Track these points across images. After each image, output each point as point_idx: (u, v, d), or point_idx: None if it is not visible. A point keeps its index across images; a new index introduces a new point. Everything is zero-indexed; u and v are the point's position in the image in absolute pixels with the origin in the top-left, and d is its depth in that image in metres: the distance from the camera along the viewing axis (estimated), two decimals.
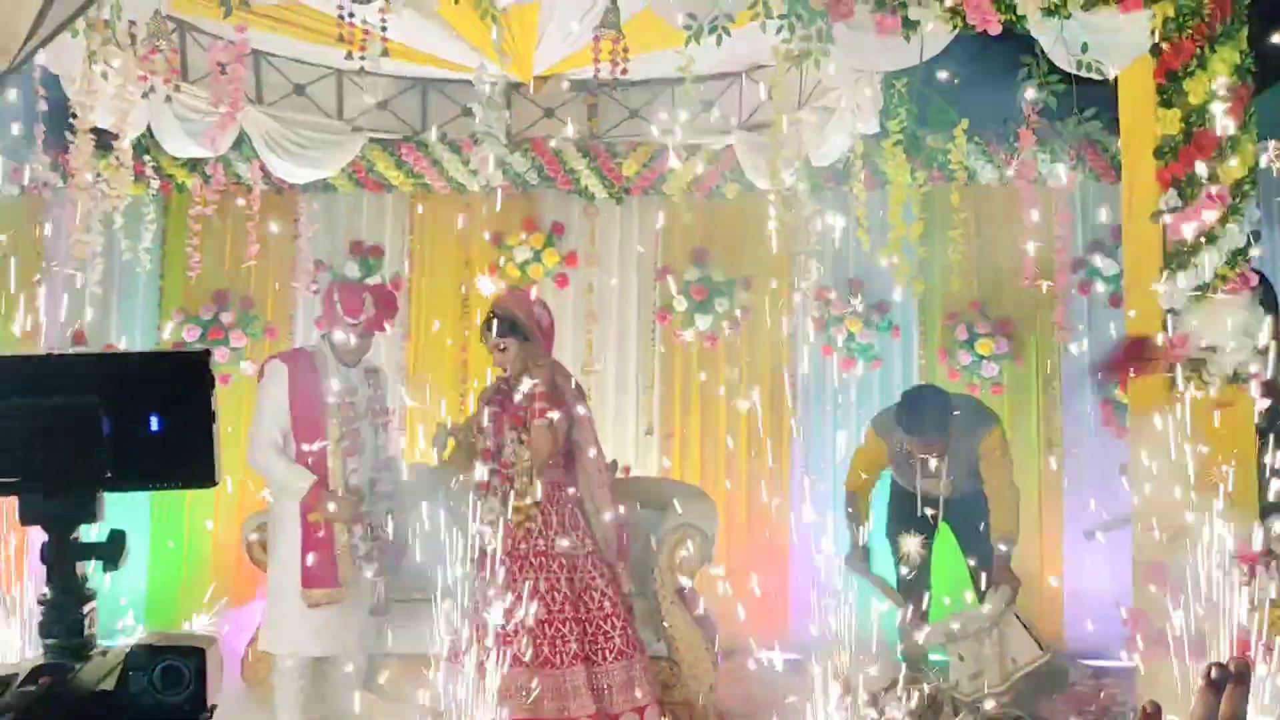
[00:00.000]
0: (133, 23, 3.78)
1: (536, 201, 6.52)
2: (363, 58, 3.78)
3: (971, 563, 4.69)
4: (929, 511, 4.63)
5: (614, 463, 5.12)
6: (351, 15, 3.59)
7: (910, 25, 3.69)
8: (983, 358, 6.17)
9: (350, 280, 6.17)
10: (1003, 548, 4.47)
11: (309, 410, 4.06)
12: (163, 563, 6.31)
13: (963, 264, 6.00)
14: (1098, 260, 6.04)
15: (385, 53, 3.72)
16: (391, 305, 4.27)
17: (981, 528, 4.59)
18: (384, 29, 3.71)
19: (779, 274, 6.25)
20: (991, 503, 4.56)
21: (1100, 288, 6.07)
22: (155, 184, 5.86)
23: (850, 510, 4.88)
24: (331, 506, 3.95)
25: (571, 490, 3.97)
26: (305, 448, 4.01)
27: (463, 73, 5.51)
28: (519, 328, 3.94)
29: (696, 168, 6.22)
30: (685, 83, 3.98)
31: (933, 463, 4.54)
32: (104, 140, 5.06)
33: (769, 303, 6.28)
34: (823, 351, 6.35)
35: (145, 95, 4.22)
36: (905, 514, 4.81)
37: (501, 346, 3.93)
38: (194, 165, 6.10)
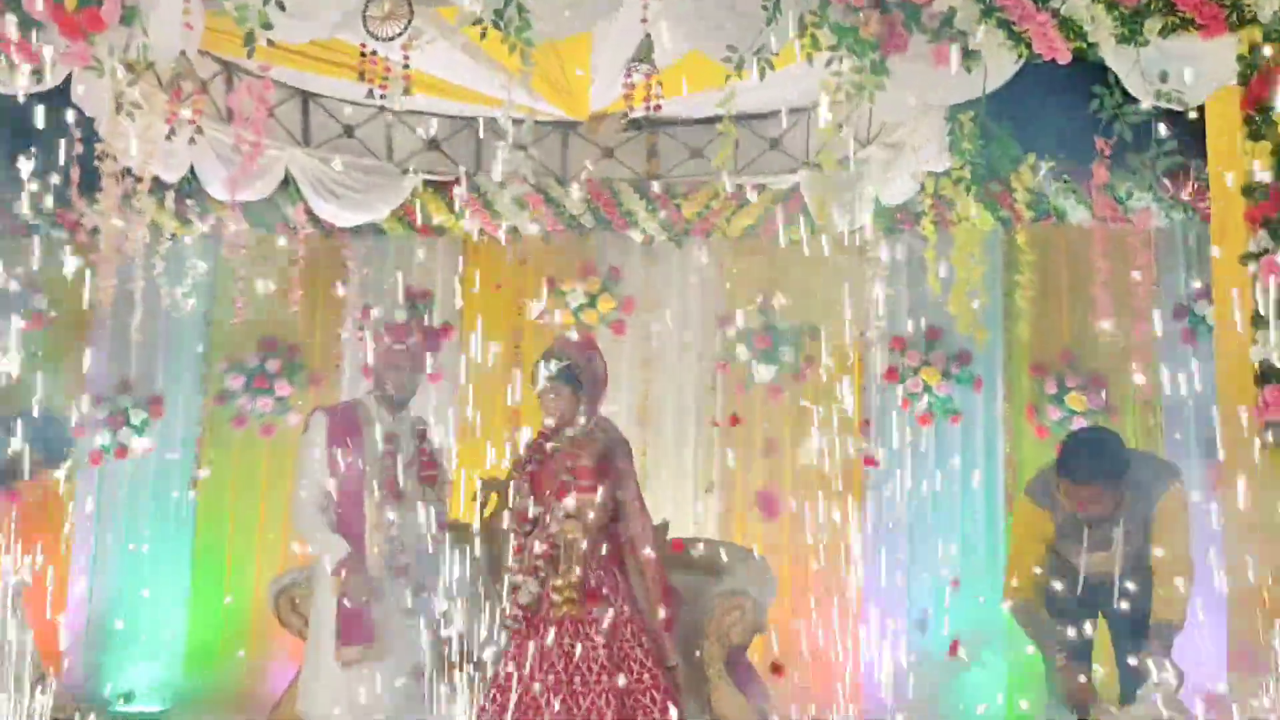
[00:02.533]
0: (152, 64, 3.93)
1: (592, 245, 6.56)
2: (383, 95, 3.88)
3: (1132, 661, 3.89)
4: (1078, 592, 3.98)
5: (664, 523, 5.10)
6: (374, 51, 3.70)
7: (970, 56, 3.66)
8: (1074, 413, 6.00)
9: None
10: (1165, 633, 3.80)
11: (351, 464, 4.15)
12: (203, 613, 6.44)
13: (1048, 311, 5.88)
14: (1203, 306, 5.86)
15: (408, 90, 3.82)
16: (435, 336, 4.39)
17: (1144, 613, 3.90)
18: (406, 65, 3.81)
19: (849, 322, 6.18)
20: (1159, 577, 3.84)
21: (1207, 337, 5.87)
22: (204, 227, 6.06)
23: (1031, 630, 4.08)
24: (351, 584, 4.02)
25: (613, 558, 3.96)
26: (344, 505, 4.10)
27: (519, 113, 5.60)
28: (574, 375, 3.96)
29: (760, 209, 6.21)
30: (725, 118, 3.97)
31: (1110, 531, 3.89)
32: (159, 186, 5.29)
33: (838, 352, 6.21)
34: (902, 405, 6.24)
35: (169, 136, 4.39)
36: (1061, 600, 4.11)
37: (553, 393, 3.95)
38: (248, 208, 6.27)
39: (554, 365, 3.96)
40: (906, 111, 4.84)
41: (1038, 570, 4.05)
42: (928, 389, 6.16)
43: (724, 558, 5.03)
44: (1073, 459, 3.93)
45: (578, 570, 3.83)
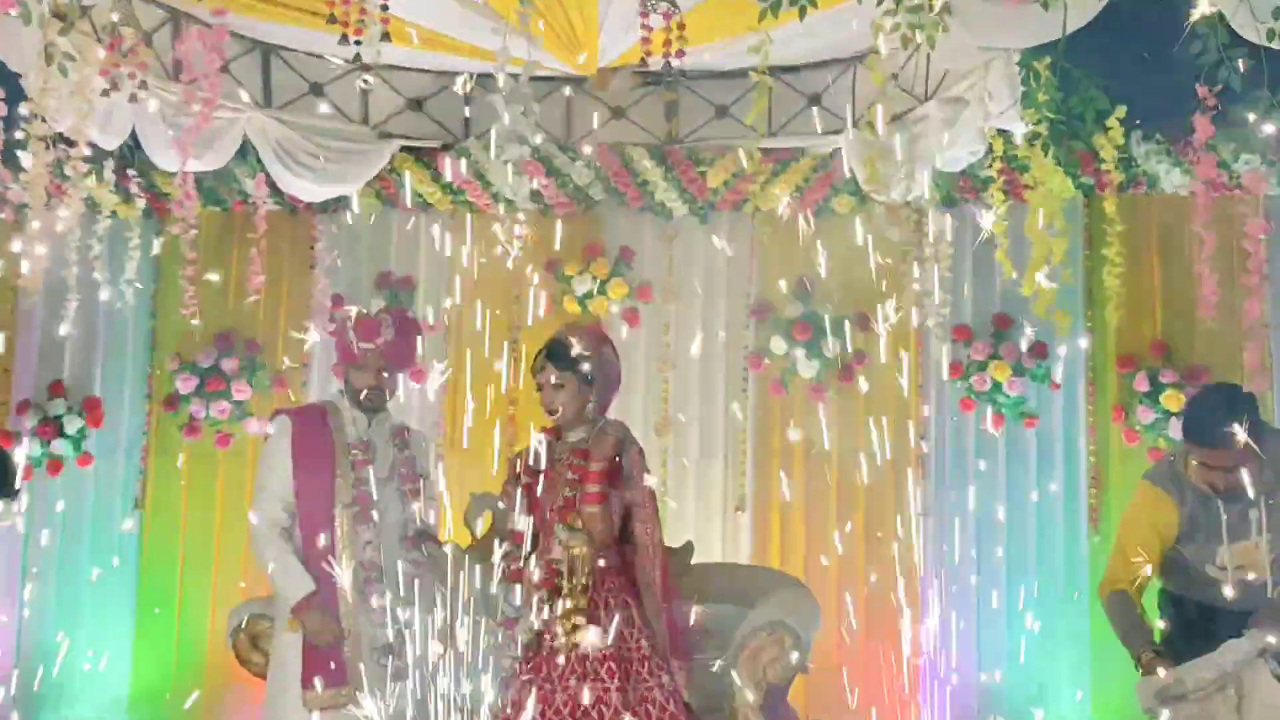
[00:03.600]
0: (87, 9, 3.90)
1: (602, 221, 6.56)
2: (358, 42, 3.85)
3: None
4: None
5: (688, 545, 5.08)
6: None
7: None
8: (1170, 414, 5.95)
9: None
10: None
11: (317, 474, 4.16)
12: (151, 652, 6.43)
13: (1139, 295, 5.82)
14: None
15: (386, 36, 3.78)
16: (413, 331, 4.40)
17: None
18: (384, 8, 3.78)
19: (903, 309, 6.12)
20: None
21: None
22: (148, 203, 6.04)
23: (1122, 622, 4.01)
24: (311, 623, 4.02)
25: (622, 577, 3.93)
26: (310, 524, 4.09)
27: (512, 65, 5.57)
28: (583, 366, 3.95)
29: (798, 177, 6.16)
30: (758, 69, 3.93)
31: (1247, 512, 3.79)
32: (96, 154, 5.26)
33: (891, 345, 6.18)
34: (961, 406, 6.20)
35: (105, 93, 4.37)
36: (1192, 622, 4.01)
37: (559, 382, 3.94)
38: (200, 181, 6.24)
39: (560, 352, 3.93)
40: (971, 59, 4.80)
41: (1147, 567, 3.98)
42: (997, 387, 6.13)
43: (759, 584, 5.00)
44: (1203, 417, 3.82)
45: (585, 594, 3.80)
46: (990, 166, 5.56)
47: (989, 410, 6.17)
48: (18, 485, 4.01)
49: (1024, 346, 6.13)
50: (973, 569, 6.08)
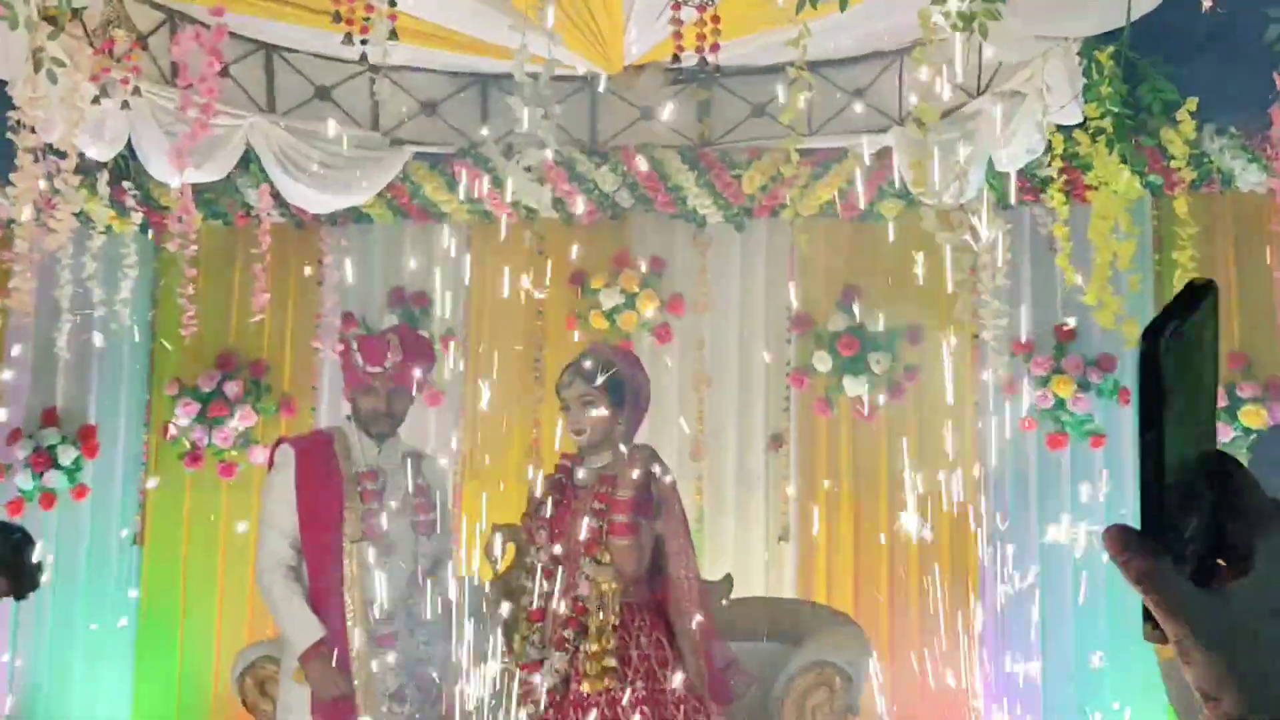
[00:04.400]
0: (78, 10, 3.93)
1: (630, 230, 6.59)
2: (364, 42, 3.86)
3: None
4: None
5: (727, 578, 5.06)
6: None
7: None
8: (1250, 431, 5.89)
9: None
10: None
11: (323, 508, 4.17)
12: (152, 694, 6.48)
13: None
14: None
15: (394, 35, 3.79)
16: (423, 350, 4.40)
17: None
18: (393, 3, 3.79)
19: (957, 321, 6.10)
20: None
21: None
22: (144, 216, 6.09)
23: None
24: (316, 674, 4.02)
25: (655, 614, 3.91)
26: (316, 560, 4.12)
27: (532, 64, 5.59)
28: (613, 384, 3.94)
29: (840, 179, 6.17)
30: (796, 63, 3.92)
31: None
32: (88, 166, 5.31)
33: (944, 359, 6.13)
34: (1021, 425, 6.16)
35: (97, 100, 4.39)
36: None
37: (589, 399, 3.93)
38: (199, 193, 6.29)
39: (588, 370, 3.93)
40: (1028, 49, 4.77)
41: None
42: (1060, 404, 6.09)
43: (805, 621, 4.99)
44: None
45: (614, 634, 3.78)
46: (1050, 165, 5.52)
47: (1052, 429, 6.11)
48: (40, 580, 4.15)
49: (1089, 359, 6.09)
50: (1036, 602, 6.04)
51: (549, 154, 4.17)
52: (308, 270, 6.68)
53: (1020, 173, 5.76)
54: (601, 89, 5.71)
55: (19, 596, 4.18)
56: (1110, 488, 6.10)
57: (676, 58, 4.45)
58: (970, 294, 5.83)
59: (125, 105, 4.49)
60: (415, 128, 6.29)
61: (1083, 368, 6.10)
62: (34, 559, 4.14)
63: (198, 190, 5.91)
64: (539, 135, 4.21)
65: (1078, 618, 6.03)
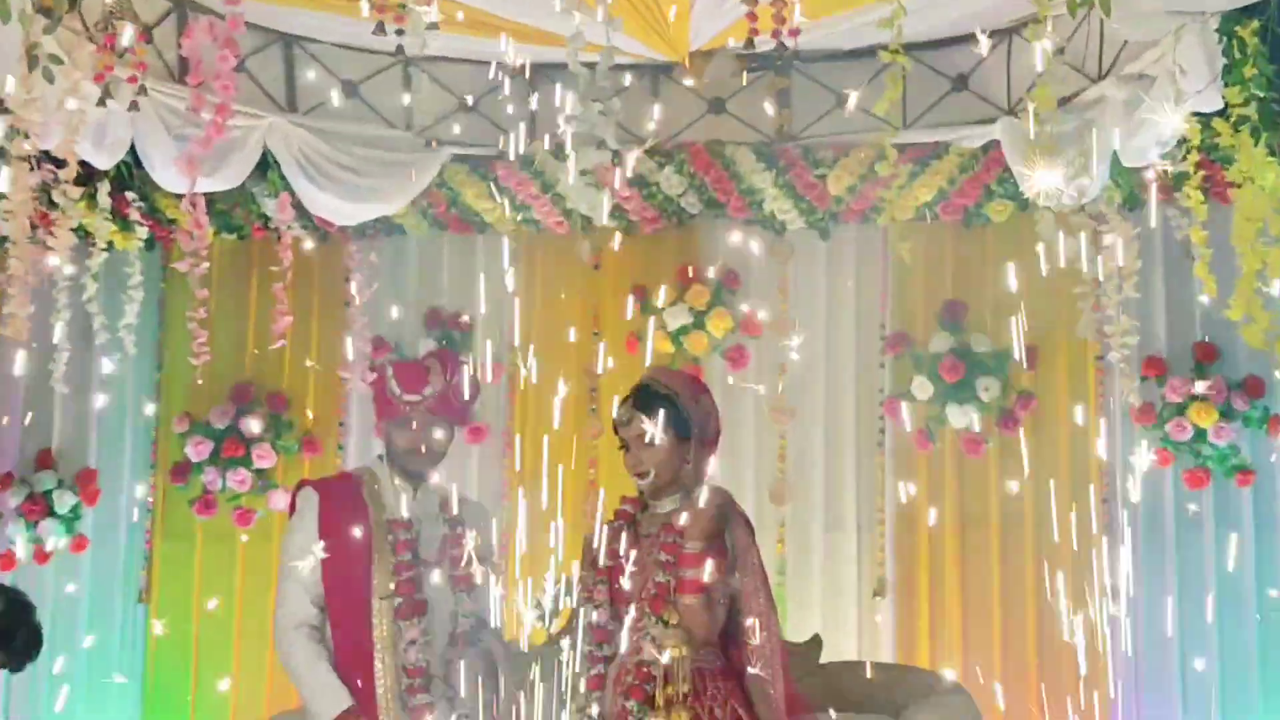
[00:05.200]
0: (76, 1, 3.97)
1: (699, 239, 6.56)
2: (400, 31, 3.88)
3: None
4: None
5: (815, 640, 5.03)
6: None
7: None
8: None
9: None
10: None
11: (350, 560, 4.19)
12: None
13: None
14: None
15: (435, 25, 3.80)
16: (468, 377, 4.40)
17: None
18: None
19: (1079, 339, 6.05)
20: None
21: None
22: (144, 233, 6.15)
23: None
24: None
25: (730, 682, 3.89)
26: (343, 619, 4.15)
27: (587, 53, 5.59)
28: (678, 415, 3.92)
29: (942, 178, 6.12)
30: (889, 46, 3.89)
31: None
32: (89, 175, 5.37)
33: (1065, 385, 6.12)
34: (1156, 459, 6.06)
35: (101, 102, 4.44)
36: None
37: (649, 438, 3.91)
38: (213, 204, 6.34)
39: (651, 400, 3.92)
40: (1158, 26, 4.71)
41: None
42: (1200, 435, 6.00)
43: (906, 688, 4.96)
44: None
45: (685, 706, 3.76)
46: (1185, 159, 5.44)
47: (1190, 464, 6.03)
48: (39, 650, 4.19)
49: (1233, 383, 6.02)
50: (1175, 669, 5.98)
51: (605, 155, 4.14)
52: (334, 290, 6.69)
53: (1150, 168, 5.68)
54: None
55: (15, 668, 4.23)
56: (1258, 532, 6.02)
57: (750, 42, 4.42)
58: (1094, 309, 5.77)
59: (133, 106, 4.53)
60: (454, 126, 6.30)
61: (1226, 393, 6.01)
62: (34, 625, 4.18)
63: (210, 201, 5.94)
64: (595, 133, 4.20)
65: (1223, 685, 5.95)
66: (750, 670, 3.90)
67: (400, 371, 4.33)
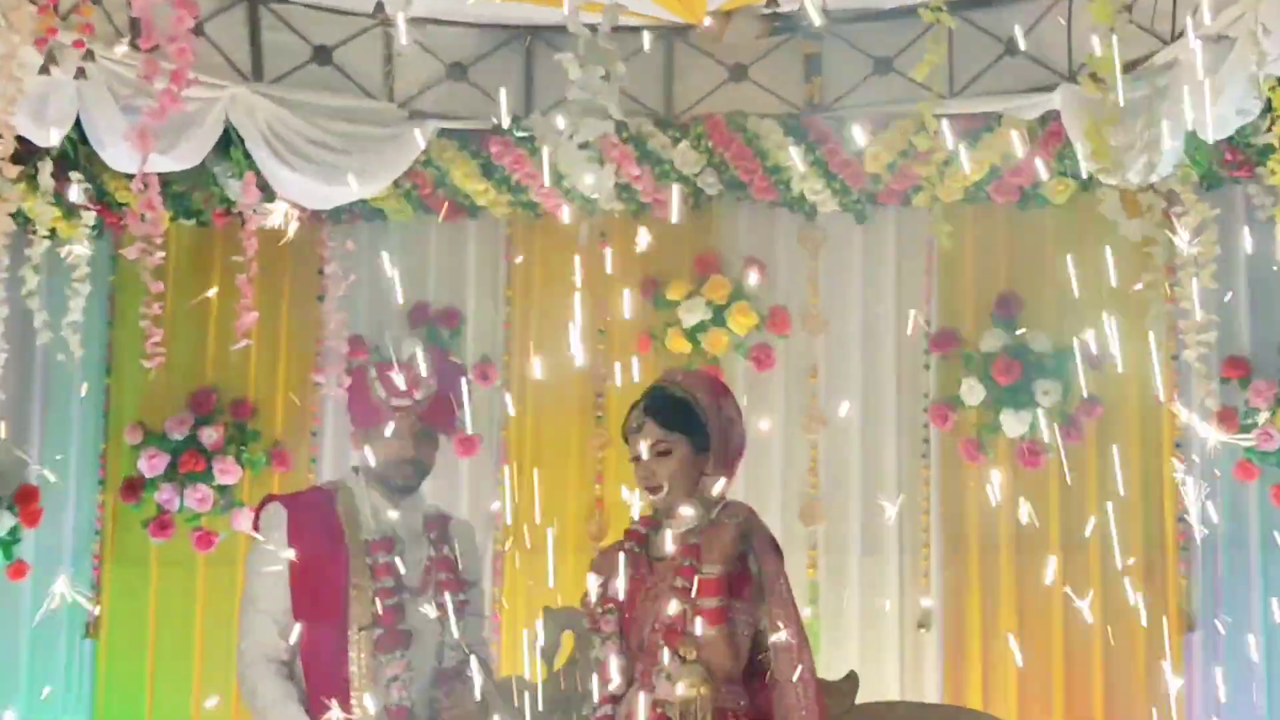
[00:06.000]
0: None
1: (718, 224, 6.59)
2: None
3: None
4: None
5: (851, 677, 5.01)
6: None
7: None
8: None
9: None
10: None
11: (323, 585, 4.18)
12: None
13: None
14: None
15: None
16: (459, 380, 4.42)
17: None
18: None
19: (1151, 336, 6.01)
20: None
21: None
22: (91, 218, 6.15)
23: None
24: None
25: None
26: (316, 652, 4.13)
27: (588, 12, 5.59)
28: (695, 423, 3.92)
29: (993, 154, 6.10)
30: (933, 2, 3.88)
31: None
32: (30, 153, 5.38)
33: (1135, 388, 6.11)
34: (1237, 473, 6.07)
35: (43, 70, 4.43)
36: None
37: (664, 448, 3.91)
38: (168, 186, 6.34)
39: (664, 406, 3.92)
40: None
41: None
42: None
43: None
44: None
45: None
46: (1269, 130, 5.45)
47: (1278, 478, 6.02)
48: None
49: None
50: (1264, 709, 5.94)
51: (610, 126, 4.14)
52: (306, 283, 6.70)
53: (1230, 141, 5.69)
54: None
55: None
56: None
57: (775, 1, 4.44)
58: (1166, 301, 5.76)
59: (80, 74, 4.53)
60: (440, 97, 6.32)
61: None
62: None
63: (165, 182, 5.96)
64: (599, 103, 4.19)
65: None
66: (779, 711, 3.91)
67: (385, 372, 4.29)
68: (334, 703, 4.03)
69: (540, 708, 4.41)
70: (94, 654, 6.64)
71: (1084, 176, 5.94)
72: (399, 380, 4.25)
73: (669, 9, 5.75)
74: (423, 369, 4.29)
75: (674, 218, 5.71)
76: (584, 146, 5.55)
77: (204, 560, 6.61)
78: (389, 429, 4.25)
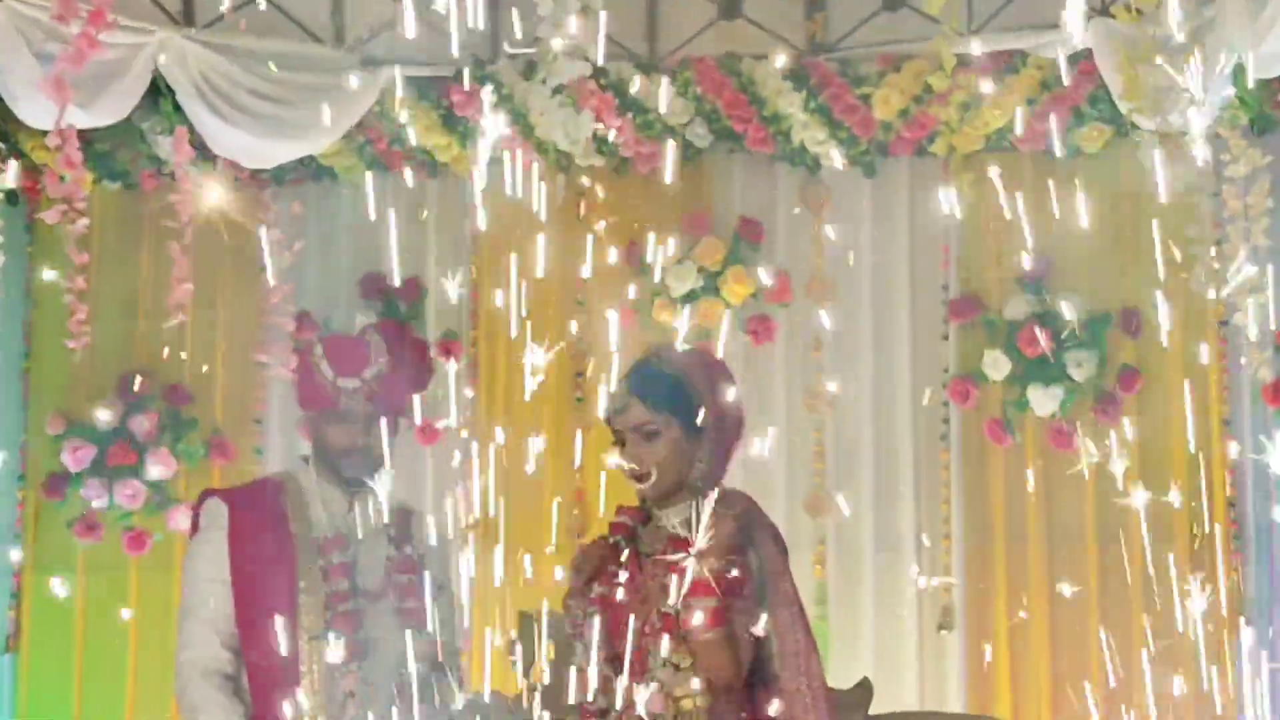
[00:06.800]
0: None
1: (709, 180, 6.57)
2: None
3: None
4: None
5: (864, 685, 5.01)
6: None
7: None
8: None
9: None
10: None
11: (269, 590, 4.16)
12: None
13: None
14: None
15: None
16: (417, 357, 4.39)
17: None
18: None
19: (1195, 302, 6.03)
20: None
21: None
22: (11, 180, 6.10)
23: None
24: None
25: None
26: (261, 663, 4.12)
27: None
28: (687, 402, 3.89)
29: (1018, 97, 6.10)
30: None
31: None
32: None
33: (1179, 358, 6.10)
34: None
35: None
36: None
37: (650, 429, 3.88)
38: (90, 143, 6.31)
39: (652, 383, 3.88)
40: None
41: None
42: None
43: None
44: None
45: None
46: None
47: None
48: None
49: None
50: None
51: (587, 69, 4.10)
52: (246, 252, 6.65)
53: None
54: None
55: None
56: None
57: None
58: (1213, 260, 5.73)
59: None
60: (396, 41, 6.26)
61: None
62: None
63: (87, 140, 5.94)
64: (575, 44, 4.16)
65: None
66: (786, 703, 3.88)
67: (332, 349, 4.26)
68: None
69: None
70: (14, 670, 6.62)
71: (1120, 121, 5.92)
72: (345, 358, 4.23)
73: None
74: (373, 345, 4.26)
75: (667, 177, 5.70)
76: (559, 93, 5.55)
77: (136, 564, 6.59)
78: (338, 414, 4.23)
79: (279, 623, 4.08)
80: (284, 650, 4.08)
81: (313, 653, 4.09)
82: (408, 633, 4.22)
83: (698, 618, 3.77)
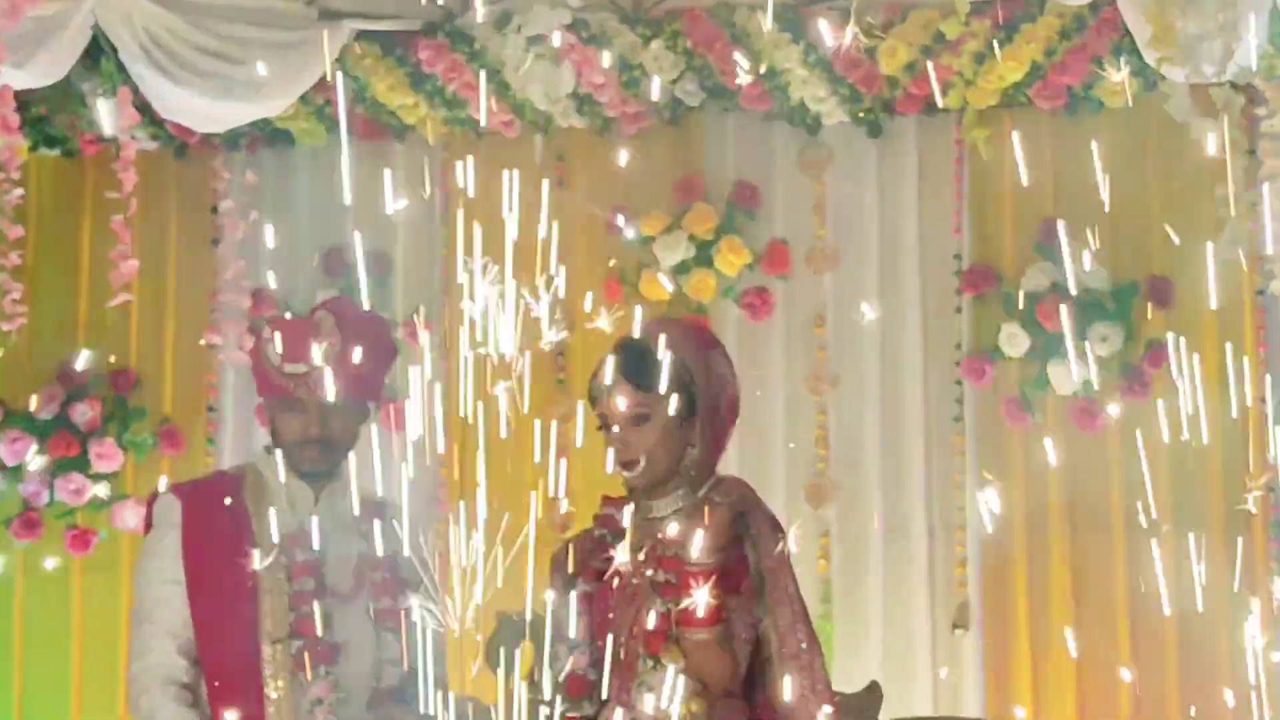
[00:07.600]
0: None
1: (700, 142, 6.60)
2: None
3: None
4: None
5: (873, 688, 5.05)
6: None
7: None
8: None
9: None
10: None
11: (228, 592, 4.17)
12: None
13: None
14: None
15: None
16: (376, 336, 4.42)
17: None
18: None
19: (1234, 273, 6.04)
20: None
21: None
22: None
23: None
24: None
25: None
26: (221, 670, 4.14)
27: None
28: (679, 381, 3.92)
29: (1036, 48, 6.12)
30: None
31: None
32: None
33: (1212, 330, 6.15)
34: None
35: None
36: None
37: (640, 413, 3.93)
38: (25, 107, 6.33)
39: (639, 363, 3.93)
40: None
41: None
42: None
43: None
44: None
45: None
46: None
47: None
48: None
49: None
50: None
51: (565, 17, 4.13)
52: (197, 225, 6.69)
53: None
54: None
55: None
56: None
57: None
58: (1248, 221, 5.77)
59: None
60: None
61: None
62: None
63: (23, 105, 5.95)
64: None
65: None
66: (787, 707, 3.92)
67: (281, 331, 4.25)
68: None
69: None
70: None
71: (1146, 73, 5.95)
72: (292, 340, 4.21)
73: None
74: (323, 326, 4.26)
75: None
76: (534, 47, 5.57)
77: (80, 565, 6.63)
78: (291, 401, 4.23)
79: (239, 626, 4.12)
80: (245, 656, 4.12)
81: (277, 657, 4.10)
82: (382, 635, 4.27)
83: (690, 616, 3.83)
